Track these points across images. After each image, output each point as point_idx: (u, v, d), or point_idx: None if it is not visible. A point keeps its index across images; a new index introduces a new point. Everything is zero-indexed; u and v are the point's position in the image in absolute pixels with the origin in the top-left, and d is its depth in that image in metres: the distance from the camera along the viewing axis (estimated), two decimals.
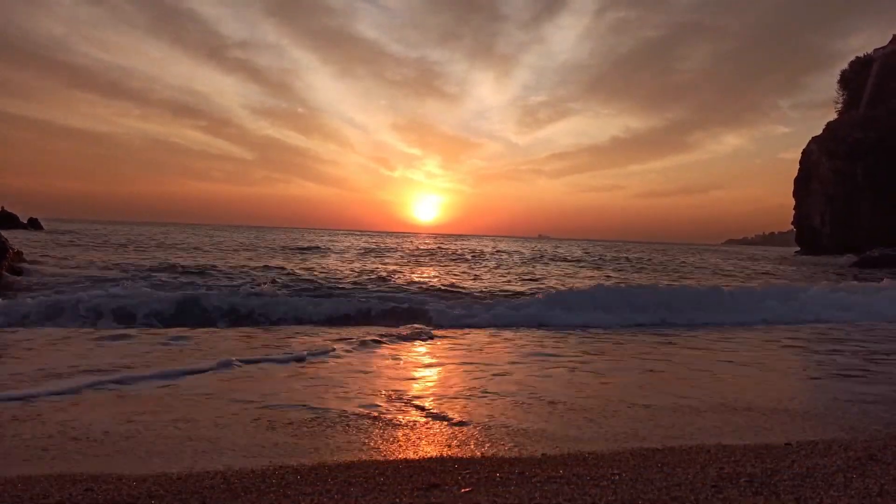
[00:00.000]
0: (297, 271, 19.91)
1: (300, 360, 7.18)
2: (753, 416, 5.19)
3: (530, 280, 22.13)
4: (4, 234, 14.22)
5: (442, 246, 55.92)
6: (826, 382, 6.78)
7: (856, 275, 30.00)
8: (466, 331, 10.24)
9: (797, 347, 9.49)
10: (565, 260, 37.19)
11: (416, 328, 10.01)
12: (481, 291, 16.09)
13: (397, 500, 3.11)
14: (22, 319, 9.25)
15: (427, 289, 15.79)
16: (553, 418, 5.04)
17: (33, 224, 52.89)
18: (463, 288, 16.74)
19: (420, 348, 8.50)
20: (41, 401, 5.04)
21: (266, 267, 21.08)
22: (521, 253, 46.01)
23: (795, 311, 12.86)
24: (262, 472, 3.51)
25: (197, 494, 3.14)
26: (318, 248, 40.15)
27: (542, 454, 3.98)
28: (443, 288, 16.36)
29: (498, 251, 47.67)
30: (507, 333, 10.08)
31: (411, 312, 11.51)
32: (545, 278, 23.15)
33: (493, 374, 6.76)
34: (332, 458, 3.87)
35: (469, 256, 37.10)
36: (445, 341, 9.10)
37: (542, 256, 40.71)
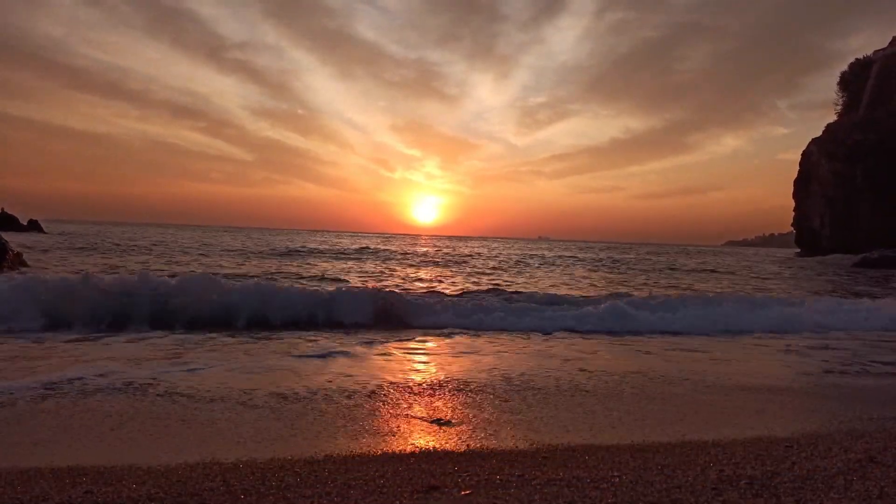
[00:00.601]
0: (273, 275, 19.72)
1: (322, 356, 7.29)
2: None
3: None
4: (6, 237, 14.24)
5: (443, 249, 55.50)
6: None
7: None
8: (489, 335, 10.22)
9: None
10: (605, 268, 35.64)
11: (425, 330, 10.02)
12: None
13: (397, 502, 3.11)
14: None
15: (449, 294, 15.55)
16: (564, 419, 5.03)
17: (33, 226, 52.91)
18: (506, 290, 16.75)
19: (432, 349, 8.50)
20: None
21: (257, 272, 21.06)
22: (510, 253, 45.83)
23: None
24: (261, 474, 3.51)
25: (196, 496, 3.14)
26: (308, 249, 39.47)
27: (543, 456, 3.98)
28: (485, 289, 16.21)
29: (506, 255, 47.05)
30: (498, 336, 10.08)
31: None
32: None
33: (499, 377, 6.75)
34: (331, 460, 3.86)
35: (490, 263, 35.21)
36: (464, 343, 9.09)
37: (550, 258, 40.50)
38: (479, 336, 9.85)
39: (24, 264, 14.24)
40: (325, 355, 7.60)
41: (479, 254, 43.65)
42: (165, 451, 4.03)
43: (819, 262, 51.99)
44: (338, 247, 46.70)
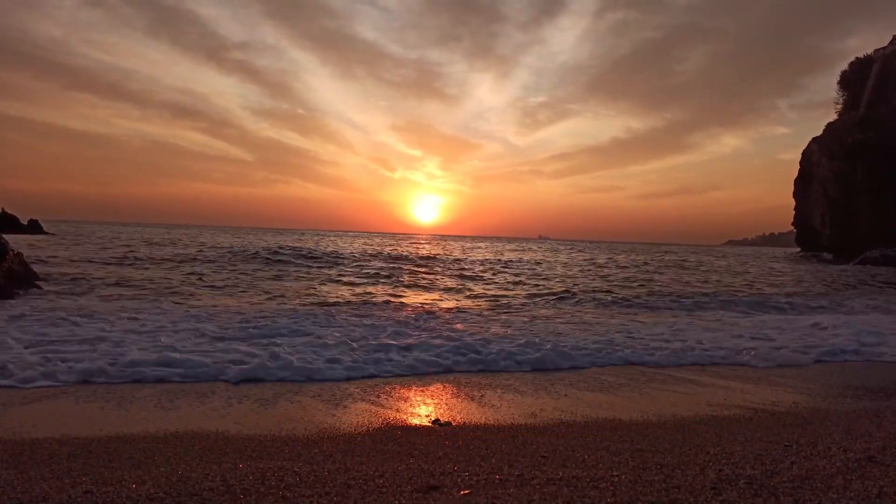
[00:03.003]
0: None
1: None
2: None
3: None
4: (9, 238, 14.21)
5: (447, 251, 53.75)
6: None
7: None
8: None
9: None
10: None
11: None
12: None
13: (396, 502, 3.11)
14: None
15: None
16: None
17: (34, 226, 52.82)
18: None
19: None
20: None
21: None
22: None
23: None
24: (261, 473, 3.51)
25: (196, 496, 3.14)
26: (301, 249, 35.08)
27: (542, 456, 3.98)
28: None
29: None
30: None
31: None
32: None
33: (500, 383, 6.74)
34: (331, 459, 3.86)
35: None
36: None
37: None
38: None
39: (25, 265, 14.23)
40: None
41: (519, 259, 38.68)
42: None
43: (819, 260, 51.83)
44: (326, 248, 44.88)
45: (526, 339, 8.61)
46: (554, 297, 16.48)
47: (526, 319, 11.92)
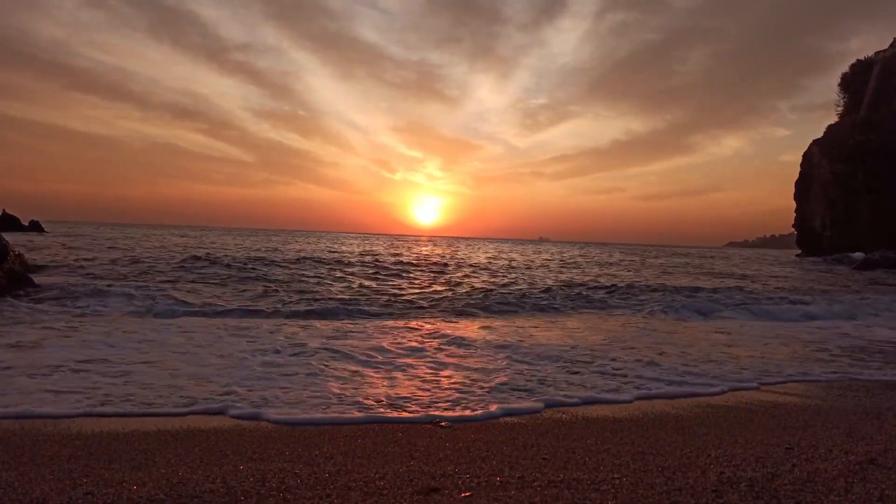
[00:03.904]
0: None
1: None
2: None
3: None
4: (10, 239, 14.22)
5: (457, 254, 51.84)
6: None
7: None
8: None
9: None
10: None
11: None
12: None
13: None
14: None
15: None
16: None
17: (35, 227, 52.97)
18: None
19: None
20: None
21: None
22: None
23: None
24: (261, 475, 3.51)
25: (197, 498, 3.14)
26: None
27: (543, 458, 3.98)
28: None
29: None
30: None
31: None
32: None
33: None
34: (331, 461, 3.86)
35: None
36: None
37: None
38: None
39: (26, 266, 14.24)
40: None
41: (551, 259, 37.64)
42: None
43: (819, 263, 51.83)
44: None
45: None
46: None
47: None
